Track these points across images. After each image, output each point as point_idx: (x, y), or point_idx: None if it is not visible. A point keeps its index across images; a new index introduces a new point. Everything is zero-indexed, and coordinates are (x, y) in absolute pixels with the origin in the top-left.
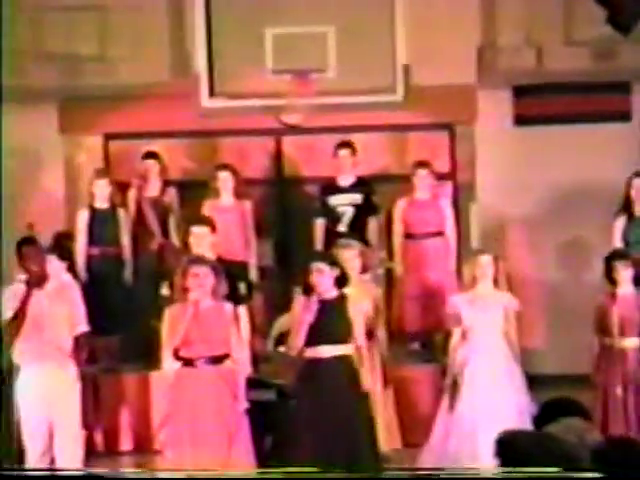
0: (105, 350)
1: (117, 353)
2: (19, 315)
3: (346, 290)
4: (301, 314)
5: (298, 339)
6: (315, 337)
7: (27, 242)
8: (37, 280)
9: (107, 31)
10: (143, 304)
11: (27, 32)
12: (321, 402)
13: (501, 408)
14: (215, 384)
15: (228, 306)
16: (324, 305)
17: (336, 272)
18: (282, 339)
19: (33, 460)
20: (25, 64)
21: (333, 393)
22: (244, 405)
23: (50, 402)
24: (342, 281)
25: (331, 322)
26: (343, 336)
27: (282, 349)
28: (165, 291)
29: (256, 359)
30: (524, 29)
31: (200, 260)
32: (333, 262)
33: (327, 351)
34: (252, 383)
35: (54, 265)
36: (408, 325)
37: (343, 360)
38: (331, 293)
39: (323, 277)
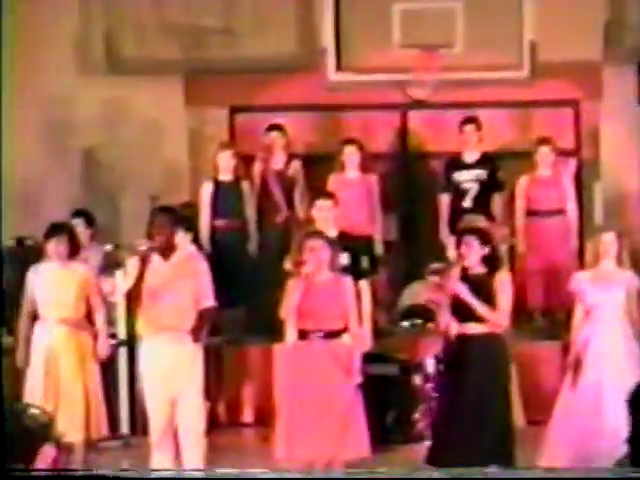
0: (230, 322)
1: (242, 325)
2: (139, 284)
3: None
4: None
5: (444, 315)
6: (462, 313)
7: (159, 211)
8: (163, 250)
9: (233, 3)
10: (268, 276)
11: (150, 4)
12: (468, 380)
13: (623, 386)
14: (327, 358)
15: (347, 280)
16: (468, 280)
17: (485, 250)
18: (407, 313)
19: (156, 432)
20: (149, 36)
21: (481, 371)
22: (358, 380)
23: (172, 374)
24: (491, 261)
25: (477, 299)
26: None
27: (406, 323)
28: (288, 265)
29: (379, 334)
30: None
31: (315, 234)
32: (484, 239)
33: (474, 328)
34: (374, 358)
35: (180, 236)
36: (530, 302)
37: (491, 338)
38: (477, 269)
39: (471, 251)
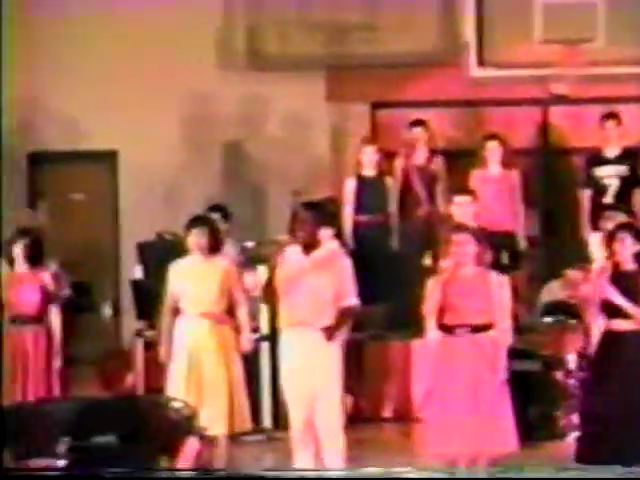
0: (371, 317)
1: (383, 320)
2: (274, 279)
3: None
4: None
5: (592, 311)
6: (614, 310)
7: (303, 207)
8: (306, 246)
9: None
10: (409, 272)
11: (293, 1)
12: (617, 377)
13: None
14: (473, 353)
15: (492, 275)
16: (619, 277)
17: (638, 246)
18: (549, 309)
19: (296, 427)
20: (291, 32)
21: (630, 368)
22: (504, 376)
23: (310, 369)
24: None
25: (629, 295)
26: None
27: (548, 319)
28: (428, 261)
29: (520, 329)
30: None
31: (462, 227)
32: (638, 236)
33: (623, 325)
34: (516, 353)
35: (323, 232)
36: None
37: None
38: (628, 265)
39: (624, 247)
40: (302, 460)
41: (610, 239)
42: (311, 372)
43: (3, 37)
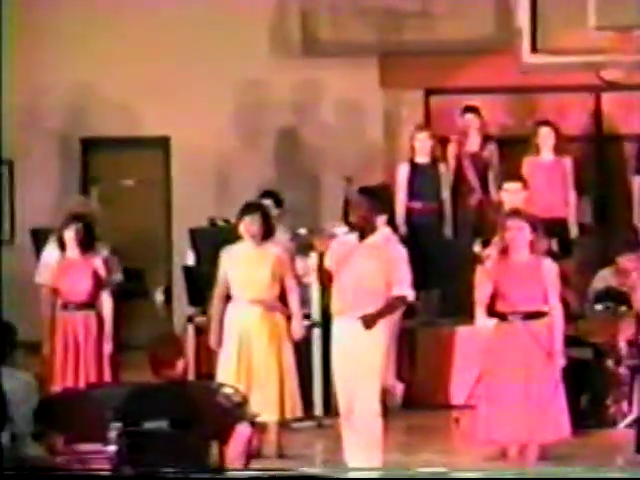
0: (424, 304)
1: (436, 307)
2: (333, 266)
3: None
4: None
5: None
6: None
7: (357, 192)
8: (360, 232)
9: None
10: (462, 259)
11: None
12: None
13: None
14: (527, 340)
15: (547, 261)
16: None
17: None
18: (600, 296)
19: (343, 413)
20: (345, 19)
21: None
22: (561, 362)
23: (355, 356)
24: None
25: None
26: None
27: (599, 307)
28: (477, 248)
29: (572, 317)
30: None
31: (517, 213)
32: None
33: None
34: (567, 341)
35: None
36: None
37: None
38: None
39: None
40: (350, 446)
41: None
42: (354, 359)
43: (52, 25)
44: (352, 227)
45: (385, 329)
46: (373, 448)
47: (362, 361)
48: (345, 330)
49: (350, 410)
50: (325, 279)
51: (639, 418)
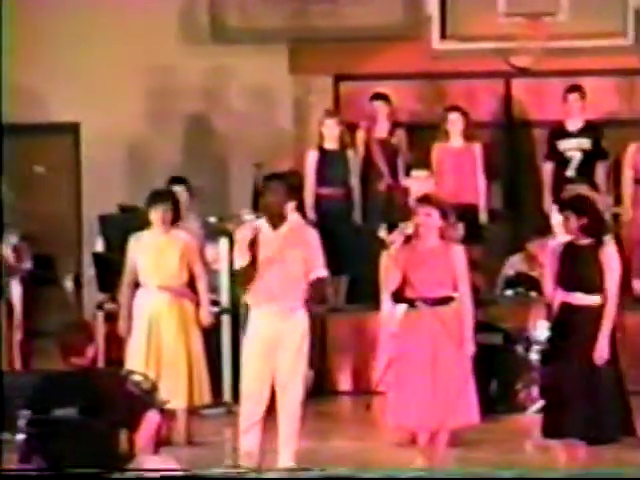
0: (333, 290)
1: (345, 293)
2: (253, 258)
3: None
4: (549, 258)
5: (546, 283)
6: (569, 283)
7: (267, 179)
8: (273, 220)
9: None
10: (371, 244)
11: None
12: (576, 350)
13: None
14: (437, 327)
15: (456, 248)
16: (574, 252)
17: (583, 220)
18: (511, 282)
19: (252, 401)
20: (253, 5)
21: (588, 341)
22: (471, 349)
23: (279, 344)
24: (592, 231)
25: (582, 269)
26: (595, 284)
27: (509, 292)
28: (382, 233)
29: (482, 302)
30: None
31: (426, 200)
32: (580, 210)
33: (581, 298)
34: (477, 326)
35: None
36: (635, 273)
37: (595, 310)
38: (581, 240)
39: (569, 223)
40: (247, 437)
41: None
42: (280, 347)
43: None
44: (261, 214)
45: (307, 316)
46: (294, 435)
47: (289, 349)
48: (269, 319)
49: (263, 400)
50: (251, 273)
51: (546, 404)
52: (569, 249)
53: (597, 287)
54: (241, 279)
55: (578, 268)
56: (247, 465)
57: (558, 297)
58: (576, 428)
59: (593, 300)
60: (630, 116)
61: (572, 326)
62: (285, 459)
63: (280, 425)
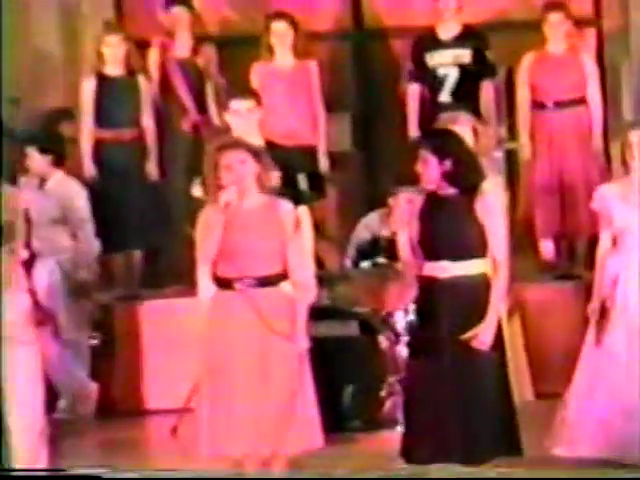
0: (123, 272)
1: (139, 275)
2: None
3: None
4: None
5: (404, 250)
6: (431, 249)
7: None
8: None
9: None
10: (173, 207)
11: None
12: (445, 341)
13: None
14: (260, 316)
15: (284, 205)
16: (438, 206)
17: (445, 165)
18: (367, 250)
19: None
20: None
21: (461, 327)
22: (304, 345)
23: None
24: (458, 179)
25: (448, 229)
26: (470, 248)
27: (365, 264)
28: (197, 191)
29: (328, 280)
30: None
31: (232, 144)
32: (440, 151)
33: (449, 269)
34: (323, 313)
35: (36, 160)
36: (539, 228)
37: (472, 281)
38: (445, 190)
39: (428, 168)
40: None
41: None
42: None
43: None
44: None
45: None
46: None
47: None
48: None
49: None
50: None
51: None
52: (431, 202)
53: (473, 252)
54: None
55: (442, 228)
56: None
57: (423, 268)
58: (443, 450)
59: (466, 269)
60: (526, 17)
61: (438, 306)
62: None
63: None
